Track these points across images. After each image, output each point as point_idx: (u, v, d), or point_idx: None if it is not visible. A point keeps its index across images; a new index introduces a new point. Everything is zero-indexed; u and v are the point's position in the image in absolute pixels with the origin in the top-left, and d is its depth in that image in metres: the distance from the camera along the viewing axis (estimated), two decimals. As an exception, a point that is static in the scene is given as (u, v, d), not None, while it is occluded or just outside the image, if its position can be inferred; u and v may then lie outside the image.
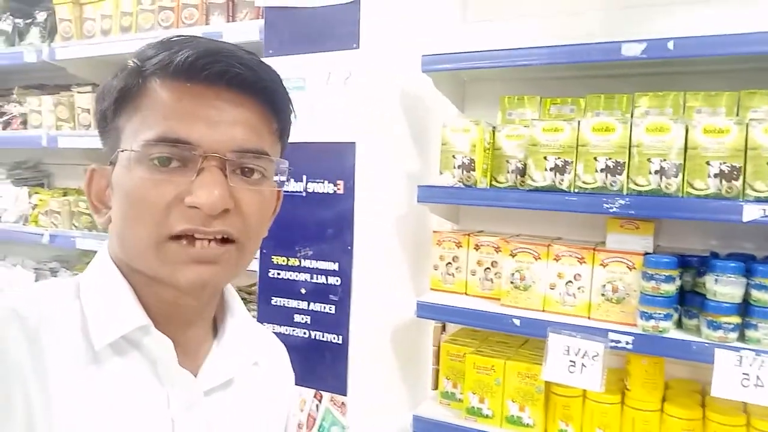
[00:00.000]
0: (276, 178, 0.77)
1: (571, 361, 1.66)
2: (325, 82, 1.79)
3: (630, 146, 1.60)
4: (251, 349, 0.87)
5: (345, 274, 1.78)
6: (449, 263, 2.00)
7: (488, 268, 1.94)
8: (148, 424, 0.72)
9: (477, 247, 1.96)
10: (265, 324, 1.92)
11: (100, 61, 2.51)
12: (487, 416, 1.83)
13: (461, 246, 1.98)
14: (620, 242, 1.74)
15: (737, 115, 1.60)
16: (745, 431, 1.57)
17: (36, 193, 2.77)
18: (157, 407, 0.72)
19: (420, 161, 2.09)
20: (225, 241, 0.71)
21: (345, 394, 1.80)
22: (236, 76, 0.70)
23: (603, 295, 1.70)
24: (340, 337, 1.80)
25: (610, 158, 1.61)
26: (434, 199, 1.83)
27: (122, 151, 0.70)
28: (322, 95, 1.79)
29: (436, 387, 2.09)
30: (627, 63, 1.68)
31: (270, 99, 0.75)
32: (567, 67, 1.82)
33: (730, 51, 1.48)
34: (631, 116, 1.71)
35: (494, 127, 1.84)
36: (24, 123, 2.69)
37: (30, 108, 2.65)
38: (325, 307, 1.82)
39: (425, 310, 1.86)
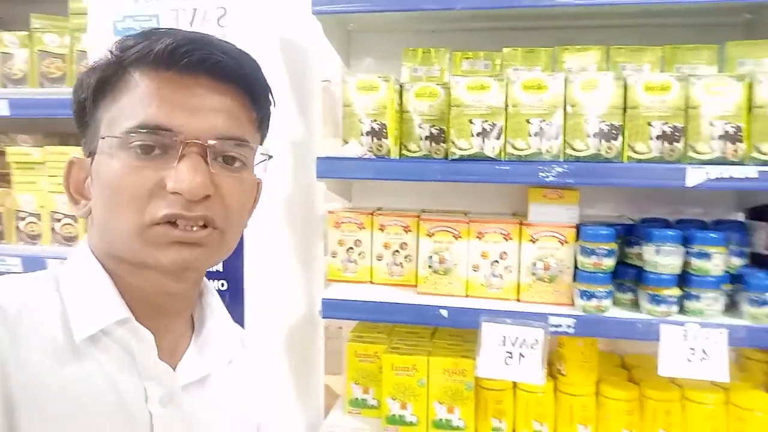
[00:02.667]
0: (256, 166, 0.78)
1: (507, 352, 1.46)
2: (188, 23, 1.35)
3: (565, 105, 1.41)
4: (228, 346, 0.87)
5: (234, 276, 1.39)
6: (351, 248, 1.69)
7: (397, 251, 1.67)
8: (126, 418, 0.72)
9: (382, 228, 1.67)
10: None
11: None
12: (411, 423, 1.58)
13: (364, 228, 1.68)
14: (544, 213, 1.56)
15: (663, 71, 1.49)
16: (680, 405, 1.50)
17: None
18: (136, 401, 0.73)
19: (304, 127, 1.74)
20: (206, 227, 0.71)
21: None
22: (216, 64, 0.70)
23: (534, 274, 1.52)
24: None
25: (544, 120, 1.41)
26: (339, 174, 1.50)
27: (103, 138, 0.70)
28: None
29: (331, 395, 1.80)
30: (544, 14, 1.49)
31: (249, 88, 0.75)
32: (474, 16, 1.58)
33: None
34: (563, 73, 1.51)
35: (401, 85, 1.54)
36: None
37: None
38: (207, 319, 1.41)
39: (333, 309, 1.54)
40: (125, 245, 0.70)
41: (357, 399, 1.69)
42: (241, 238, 1.38)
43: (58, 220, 1.61)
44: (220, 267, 1.40)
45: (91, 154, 0.73)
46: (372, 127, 1.48)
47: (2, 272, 1.80)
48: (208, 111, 0.71)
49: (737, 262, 1.47)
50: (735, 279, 1.45)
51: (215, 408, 0.84)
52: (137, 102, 0.69)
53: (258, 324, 1.44)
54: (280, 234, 1.59)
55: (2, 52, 1.79)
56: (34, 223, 1.61)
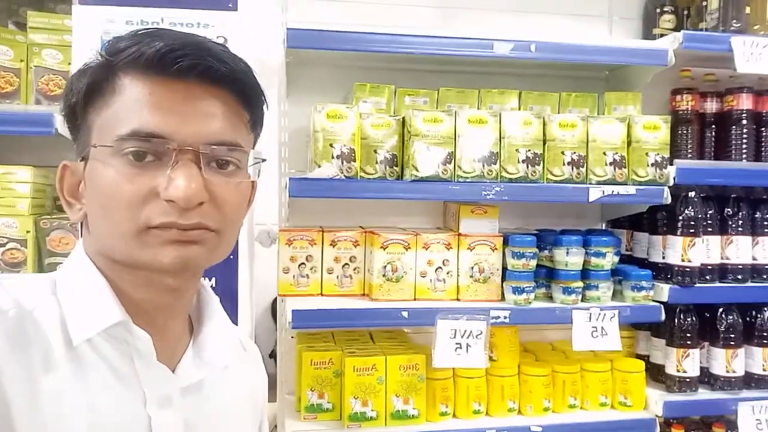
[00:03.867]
0: (250, 168, 0.77)
1: (457, 343, 1.72)
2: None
3: (501, 138, 1.73)
4: (227, 348, 0.87)
5: (228, 291, 1.45)
6: (302, 264, 1.81)
7: (347, 264, 1.84)
8: (125, 421, 0.71)
9: (333, 244, 1.83)
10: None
11: None
12: (371, 418, 1.74)
13: (315, 244, 1.82)
14: (472, 226, 1.86)
15: (558, 113, 1.90)
16: (579, 376, 1.89)
17: None
18: (134, 404, 0.72)
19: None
20: (202, 228, 0.71)
21: None
22: (208, 69, 0.70)
23: (471, 276, 1.81)
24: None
25: (485, 149, 1.72)
26: (313, 193, 1.64)
27: (95, 146, 0.69)
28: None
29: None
30: (472, 60, 1.82)
31: (242, 91, 0.75)
32: (418, 60, 1.85)
33: (588, 59, 1.75)
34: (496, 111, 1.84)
35: (360, 115, 1.74)
36: None
37: None
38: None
39: (302, 318, 1.65)
40: (122, 248, 0.70)
41: (313, 404, 1.80)
42: (236, 254, 1.45)
43: (2, 245, 1.48)
44: (213, 283, 1.45)
45: (83, 158, 0.72)
46: (342, 151, 1.66)
47: None
48: (201, 116, 0.70)
49: (615, 259, 1.92)
50: (614, 273, 1.89)
51: (215, 410, 0.83)
52: (128, 108, 0.69)
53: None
54: (251, 251, 1.67)
55: None
56: (-29, 248, 1.46)
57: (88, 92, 0.71)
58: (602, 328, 1.79)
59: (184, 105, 0.69)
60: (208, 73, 0.70)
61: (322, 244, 1.82)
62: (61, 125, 1.37)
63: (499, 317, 1.74)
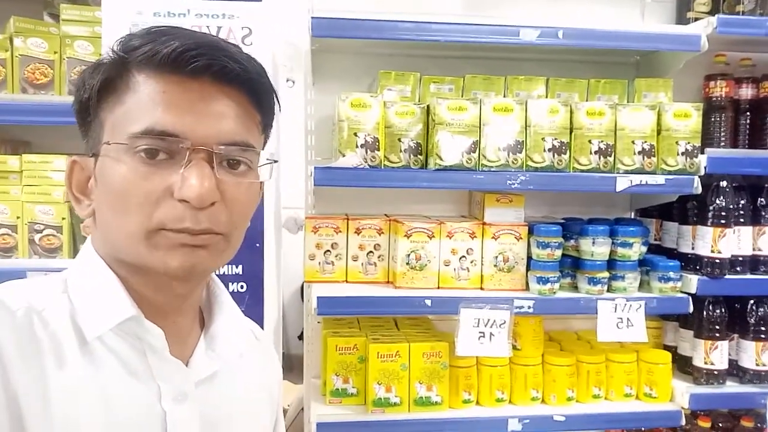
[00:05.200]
0: (260, 169, 0.78)
1: (480, 332, 1.73)
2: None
3: (526, 126, 1.72)
4: (239, 339, 0.87)
5: (254, 277, 1.48)
6: (328, 251, 1.84)
7: (371, 251, 1.86)
8: (140, 417, 0.71)
9: (358, 231, 1.84)
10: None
11: None
12: (395, 404, 1.77)
13: (340, 231, 1.84)
14: (497, 215, 1.86)
15: (587, 100, 1.87)
16: (604, 366, 1.88)
17: None
18: (149, 399, 0.72)
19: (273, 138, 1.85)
20: (211, 232, 0.71)
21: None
22: (222, 69, 0.70)
23: (495, 266, 1.81)
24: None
25: (511, 138, 1.70)
26: (337, 182, 1.65)
27: (108, 143, 0.69)
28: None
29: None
30: (498, 46, 1.79)
31: (255, 92, 0.75)
32: (444, 47, 1.84)
33: (617, 45, 1.71)
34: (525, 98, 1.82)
35: (384, 103, 1.74)
36: None
37: None
38: (226, 320, 1.48)
39: (327, 305, 1.68)
40: (130, 248, 0.70)
41: (338, 389, 1.84)
42: (262, 241, 1.48)
43: (39, 231, 1.53)
44: (240, 270, 1.48)
45: (94, 154, 0.72)
46: (366, 140, 1.66)
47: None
48: (214, 116, 0.70)
49: (643, 249, 1.89)
50: (642, 263, 1.86)
51: (231, 401, 0.83)
52: (143, 105, 0.68)
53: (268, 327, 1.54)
54: (277, 237, 1.69)
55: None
56: (9, 235, 1.52)
57: (101, 89, 0.71)
58: (628, 319, 1.77)
59: (198, 104, 0.69)
60: (222, 74, 0.70)
61: (347, 231, 1.84)
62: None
63: (522, 307, 1.74)
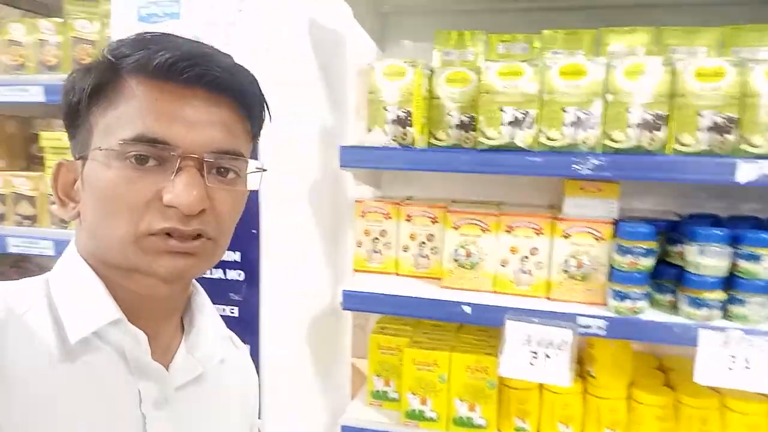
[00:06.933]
0: (248, 177, 0.78)
1: (532, 351, 1.40)
2: (210, 6, 1.31)
3: (605, 93, 1.31)
4: (219, 345, 0.87)
5: (251, 265, 1.37)
6: (376, 239, 1.64)
7: (423, 242, 1.61)
8: (119, 421, 0.71)
9: (409, 219, 1.61)
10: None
11: None
12: (431, 419, 1.54)
13: (390, 217, 1.63)
14: (580, 207, 1.47)
15: (720, 55, 1.37)
16: (719, 414, 1.41)
17: None
18: (129, 403, 0.72)
19: (335, 113, 1.69)
20: (199, 237, 0.71)
21: (259, 417, 1.42)
22: (215, 79, 0.70)
23: (565, 271, 1.44)
24: (248, 347, 1.39)
25: (581, 108, 1.32)
26: (362, 164, 1.45)
27: (100, 149, 0.69)
28: (205, 25, 1.31)
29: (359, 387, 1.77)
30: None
31: (246, 101, 0.75)
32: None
33: None
34: (606, 57, 1.41)
35: (431, 70, 1.47)
36: None
37: None
38: (225, 309, 1.40)
39: (352, 301, 1.50)
40: (118, 252, 0.70)
41: (378, 391, 1.66)
42: (257, 227, 1.35)
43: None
44: (237, 257, 1.38)
45: (81, 157, 0.72)
46: (397, 115, 1.42)
47: (36, 255, 1.84)
48: (205, 124, 0.70)
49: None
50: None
51: (208, 408, 0.83)
52: (134, 112, 0.68)
53: (276, 313, 1.42)
54: (303, 222, 1.56)
55: (39, 39, 1.80)
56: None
57: (92, 93, 0.70)
58: (746, 358, 1.28)
59: (189, 113, 0.69)
60: (214, 83, 0.70)
61: (398, 218, 1.63)
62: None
63: (590, 327, 1.36)
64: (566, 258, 1.44)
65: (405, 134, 1.42)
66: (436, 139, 1.48)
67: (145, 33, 0.72)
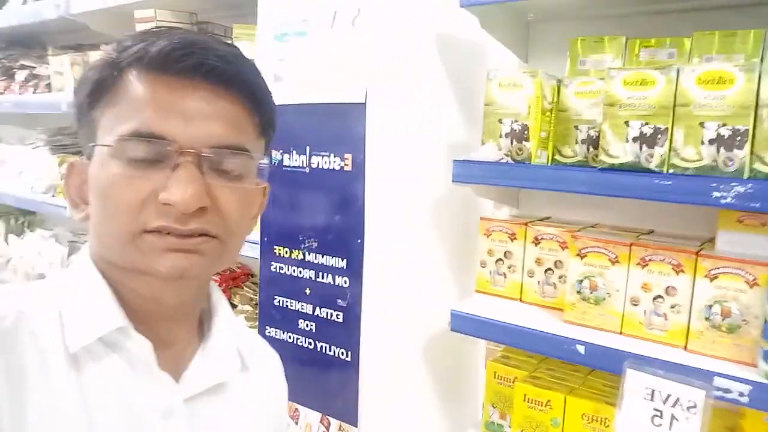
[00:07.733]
0: (259, 172, 0.75)
1: (656, 409, 1.18)
2: (329, 25, 1.37)
3: (757, 107, 1.06)
4: (239, 353, 0.83)
5: (355, 273, 1.39)
6: (500, 260, 1.55)
7: (550, 269, 1.47)
8: (125, 430, 0.68)
9: (537, 241, 1.49)
10: (267, 328, 1.58)
11: (119, 13, 2.23)
12: (539, 465, 1.39)
13: (516, 238, 1.52)
14: (736, 243, 1.22)
15: None
16: None
17: (65, 162, 2.58)
18: (134, 414, 0.69)
19: (468, 127, 1.64)
20: (202, 234, 0.68)
21: (355, 425, 1.43)
22: (213, 69, 0.67)
23: (708, 319, 1.20)
24: (349, 353, 1.42)
25: (724, 124, 1.09)
26: (473, 179, 1.38)
27: (97, 145, 0.68)
28: (326, 42, 1.37)
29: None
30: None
31: (249, 92, 0.71)
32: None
33: None
34: (761, 62, 1.16)
35: (559, 81, 1.35)
36: (48, 86, 2.49)
37: (54, 69, 2.43)
38: (331, 314, 1.44)
39: (462, 323, 1.43)
40: (118, 252, 0.68)
41: (493, 423, 1.55)
42: (362, 241, 1.37)
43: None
44: (344, 264, 1.41)
45: (88, 157, 0.71)
46: (512, 128, 1.32)
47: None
48: (205, 118, 0.67)
49: None
50: None
51: (230, 418, 0.79)
52: (131, 107, 0.66)
53: (375, 324, 1.42)
54: (419, 238, 1.53)
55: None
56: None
57: (94, 90, 0.69)
58: None
59: (187, 105, 0.67)
60: (213, 74, 0.67)
61: (525, 240, 1.51)
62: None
63: (731, 391, 1.11)
64: (709, 303, 1.19)
65: (520, 149, 1.32)
66: (561, 155, 1.35)
67: (151, 28, 0.71)
